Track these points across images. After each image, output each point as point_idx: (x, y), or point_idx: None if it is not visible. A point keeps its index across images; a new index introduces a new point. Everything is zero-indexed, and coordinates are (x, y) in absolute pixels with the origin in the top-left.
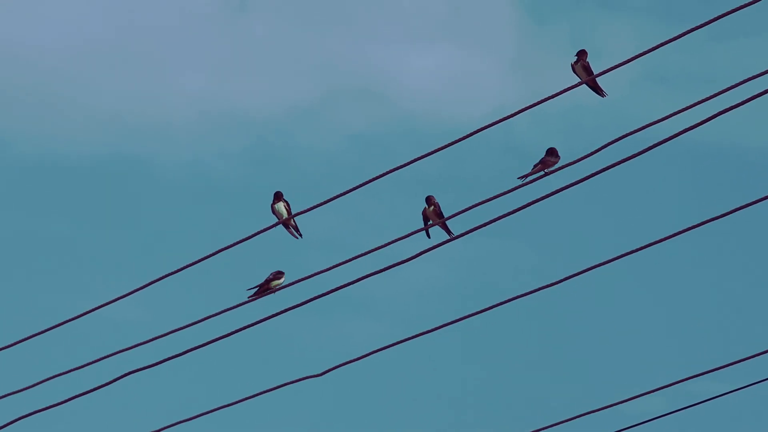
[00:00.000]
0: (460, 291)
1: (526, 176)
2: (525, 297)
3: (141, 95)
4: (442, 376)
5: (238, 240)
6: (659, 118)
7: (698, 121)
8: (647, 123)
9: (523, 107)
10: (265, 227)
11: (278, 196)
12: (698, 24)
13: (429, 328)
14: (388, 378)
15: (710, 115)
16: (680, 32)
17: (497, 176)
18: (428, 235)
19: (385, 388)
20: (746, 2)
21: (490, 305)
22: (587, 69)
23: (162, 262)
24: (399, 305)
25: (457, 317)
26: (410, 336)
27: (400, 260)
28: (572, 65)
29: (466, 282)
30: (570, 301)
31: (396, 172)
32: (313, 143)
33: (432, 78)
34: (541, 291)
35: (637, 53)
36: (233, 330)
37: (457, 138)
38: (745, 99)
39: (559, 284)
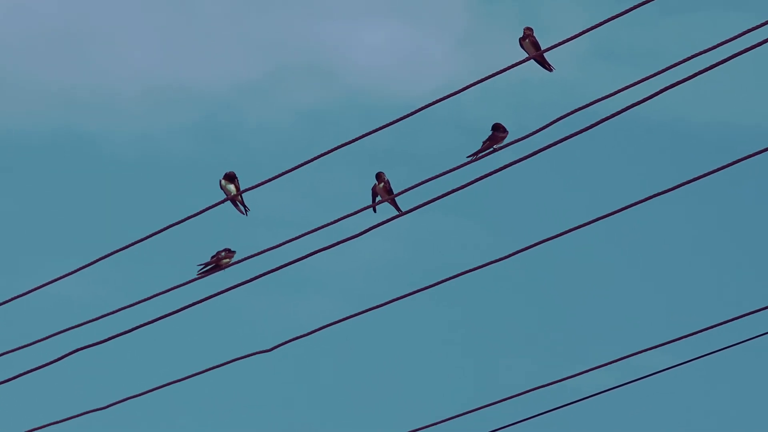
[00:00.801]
0: (410, 267)
1: (475, 154)
2: (473, 272)
3: (88, 70)
4: (388, 353)
5: (186, 216)
6: (607, 93)
7: (645, 96)
8: (596, 98)
9: (471, 83)
10: (213, 204)
11: (230, 177)
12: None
13: (377, 304)
14: (338, 353)
15: (656, 91)
16: (628, 7)
17: (447, 152)
18: (374, 210)
19: (335, 364)
20: None
21: (438, 280)
22: (535, 45)
23: (111, 239)
24: (348, 281)
25: (405, 293)
26: (359, 312)
27: (348, 236)
28: (520, 41)
29: (416, 258)
30: (518, 278)
31: (345, 148)
32: (262, 119)
33: (381, 54)
34: (490, 266)
35: (584, 29)
36: (183, 306)
37: (405, 113)
38: (690, 74)
39: (508, 259)
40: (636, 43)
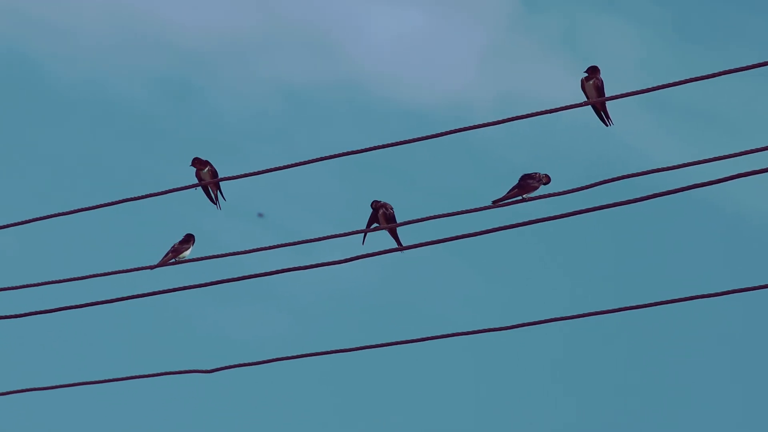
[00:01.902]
0: (381, 305)
1: (501, 200)
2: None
3: None
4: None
5: (150, 193)
6: (665, 163)
7: (715, 178)
8: (654, 168)
9: (502, 119)
10: (183, 186)
11: (201, 162)
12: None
13: (309, 352)
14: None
15: (729, 175)
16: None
17: (456, 183)
18: (363, 242)
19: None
20: None
21: (375, 344)
22: (599, 89)
23: (48, 189)
24: (309, 302)
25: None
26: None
27: (330, 261)
28: (582, 82)
29: (390, 295)
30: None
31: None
32: (239, 86)
33: (393, 41)
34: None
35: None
36: (124, 296)
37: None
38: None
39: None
40: (687, 95)
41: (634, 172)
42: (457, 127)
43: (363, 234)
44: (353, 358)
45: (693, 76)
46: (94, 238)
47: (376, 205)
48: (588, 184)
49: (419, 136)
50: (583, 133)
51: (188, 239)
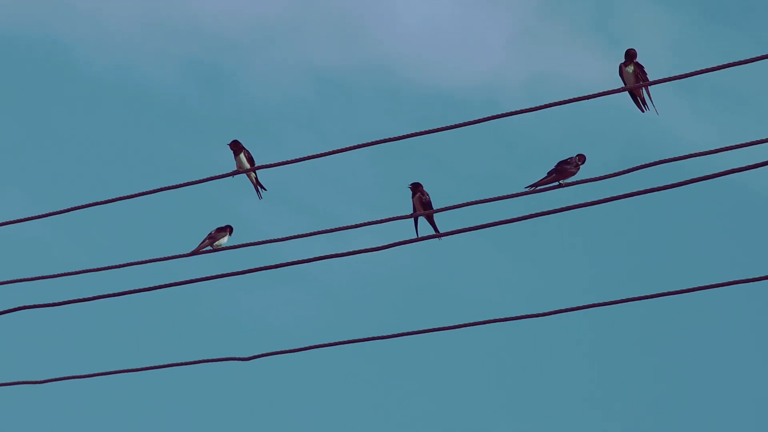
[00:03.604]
0: (413, 290)
1: (536, 185)
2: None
3: None
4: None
5: (186, 182)
6: (699, 147)
7: (752, 163)
8: (692, 153)
9: (538, 105)
10: (223, 174)
11: (238, 146)
12: None
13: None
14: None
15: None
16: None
17: (489, 169)
18: (416, 233)
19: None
20: None
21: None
22: (638, 75)
23: (81, 176)
24: (340, 286)
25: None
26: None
27: (367, 248)
28: (621, 66)
29: (423, 279)
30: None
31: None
32: (269, 71)
33: (424, 24)
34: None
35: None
36: (160, 284)
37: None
38: None
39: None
40: (718, 77)
41: (668, 156)
42: (489, 113)
43: (414, 222)
44: (388, 344)
45: (724, 59)
46: (130, 226)
47: (414, 188)
48: (623, 170)
49: (449, 118)
50: (615, 114)
51: (225, 228)
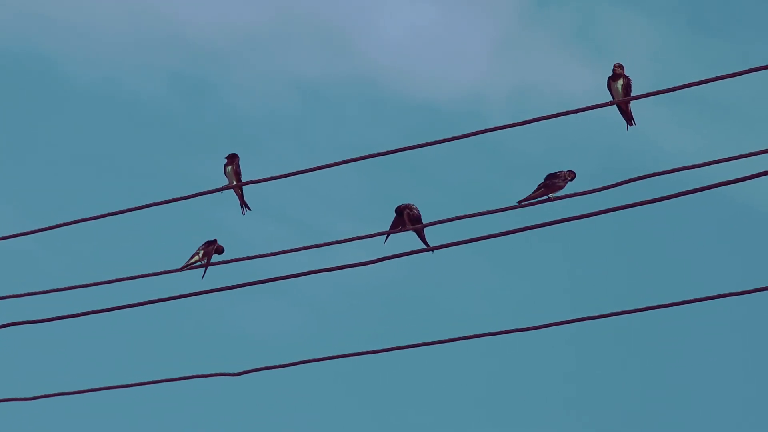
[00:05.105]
0: (400, 301)
1: (526, 200)
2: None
3: None
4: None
5: (175, 197)
6: (688, 161)
7: (741, 176)
8: (679, 167)
9: (523, 120)
10: (213, 189)
11: (232, 160)
12: None
13: (335, 354)
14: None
15: (757, 173)
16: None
17: (476, 181)
18: (384, 242)
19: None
20: None
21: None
22: (627, 89)
23: (67, 189)
24: (326, 297)
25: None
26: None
27: (356, 262)
28: (609, 80)
29: (410, 290)
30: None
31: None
32: (254, 82)
33: (407, 35)
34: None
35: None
36: (148, 300)
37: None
38: None
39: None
40: (701, 88)
41: (652, 166)
42: (474, 123)
43: (385, 236)
44: (378, 358)
45: (707, 68)
46: (119, 240)
47: (400, 209)
48: (611, 183)
49: (433, 129)
50: (599, 125)
51: (213, 242)
